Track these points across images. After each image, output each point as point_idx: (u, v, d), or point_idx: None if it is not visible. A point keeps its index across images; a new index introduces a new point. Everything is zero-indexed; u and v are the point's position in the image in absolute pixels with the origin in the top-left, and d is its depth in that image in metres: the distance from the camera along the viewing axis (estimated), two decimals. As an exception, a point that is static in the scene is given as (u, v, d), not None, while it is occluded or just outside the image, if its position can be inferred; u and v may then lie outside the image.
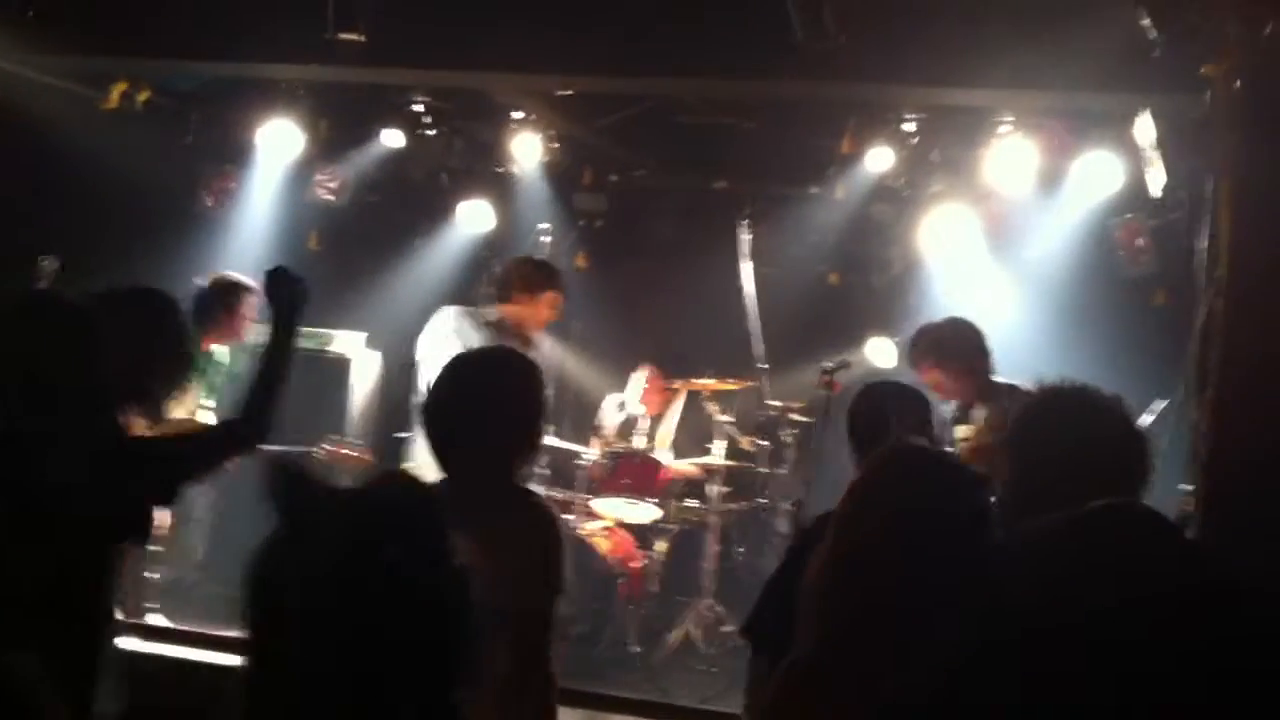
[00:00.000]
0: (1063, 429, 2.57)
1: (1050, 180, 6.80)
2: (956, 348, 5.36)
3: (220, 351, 6.21)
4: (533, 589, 2.92)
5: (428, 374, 5.99)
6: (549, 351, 6.40)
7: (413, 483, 1.69)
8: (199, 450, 3.35)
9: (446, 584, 1.56)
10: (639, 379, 7.39)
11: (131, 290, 3.45)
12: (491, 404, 2.96)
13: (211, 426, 3.41)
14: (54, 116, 6.50)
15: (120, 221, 7.19)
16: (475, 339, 5.87)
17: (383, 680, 1.49)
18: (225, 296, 6.09)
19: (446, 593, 1.56)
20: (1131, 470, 2.54)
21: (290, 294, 3.33)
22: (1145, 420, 5.09)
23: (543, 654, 2.99)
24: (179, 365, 3.54)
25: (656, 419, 7.70)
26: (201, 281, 6.11)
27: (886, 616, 2.10)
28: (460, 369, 3.13)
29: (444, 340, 5.90)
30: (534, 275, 6.20)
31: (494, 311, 6.11)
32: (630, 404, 7.38)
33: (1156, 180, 5.79)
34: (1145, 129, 5.56)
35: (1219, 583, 1.93)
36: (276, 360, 3.32)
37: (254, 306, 6.00)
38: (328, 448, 6.45)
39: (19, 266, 5.94)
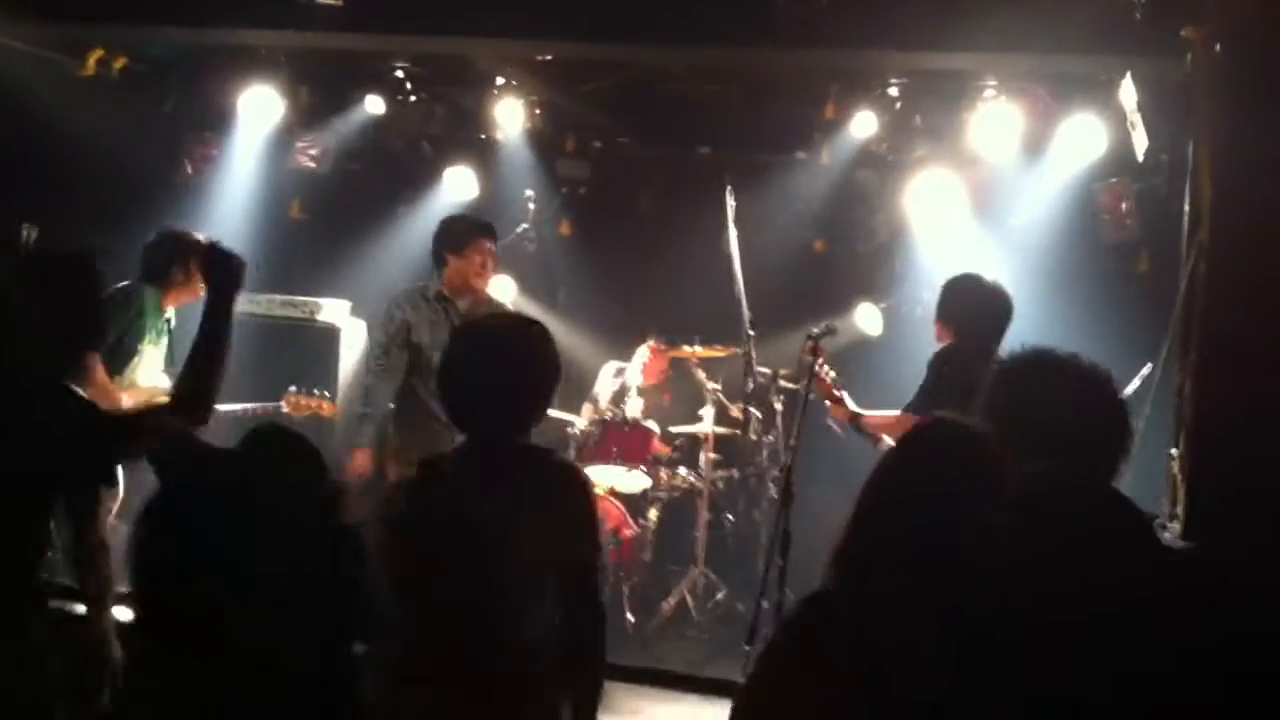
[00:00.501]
0: (1020, 399, 2.55)
1: (1034, 145, 6.78)
2: (949, 303, 5.32)
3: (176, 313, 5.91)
4: (571, 544, 2.95)
5: (368, 375, 6.08)
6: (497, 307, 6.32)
7: (289, 437, 1.68)
8: (147, 427, 3.27)
9: (336, 535, 1.56)
10: (642, 352, 7.36)
11: (40, 257, 3.40)
12: (507, 367, 2.98)
13: (160, 405, 3.33)
14: (30, 85, 6.43)
15: (100, 190, 7.13)
16: (419, 318, 5.91)
17: (279, 631, 1.50)
18: (182, 254, 5.67)
19: (336, 543, 1.56)
20: (1100, 434, 2.51)
21: (226, 271, 3.24)
22: (1132, 385, 5.10)
23: (589, 610, 3.00)
24: (92, 326, 3.48)
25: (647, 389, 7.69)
26: (156, 239, 5.77)
27: (894, 569, 2.15)
28: (473, 335, 3.16)
29: (381, 335, 6.01)
30: (455, 230, 6.04)
31: (436, 282, 6.03)
32: (631, 376, 7.35)
33: (1140, 144, 5.78)
34: (1128, 92, 5.54)
35: (1162, 576, 1.94)
36: (215, 340, 3.19)
37: None
38: (289, 399, 6.35)
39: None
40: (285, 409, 6.31)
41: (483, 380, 2.97)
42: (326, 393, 6.50)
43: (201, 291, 5.58)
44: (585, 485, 3.07)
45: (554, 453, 3.17)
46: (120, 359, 5.51)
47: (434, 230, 6.15)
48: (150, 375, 5.68)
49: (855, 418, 5.62)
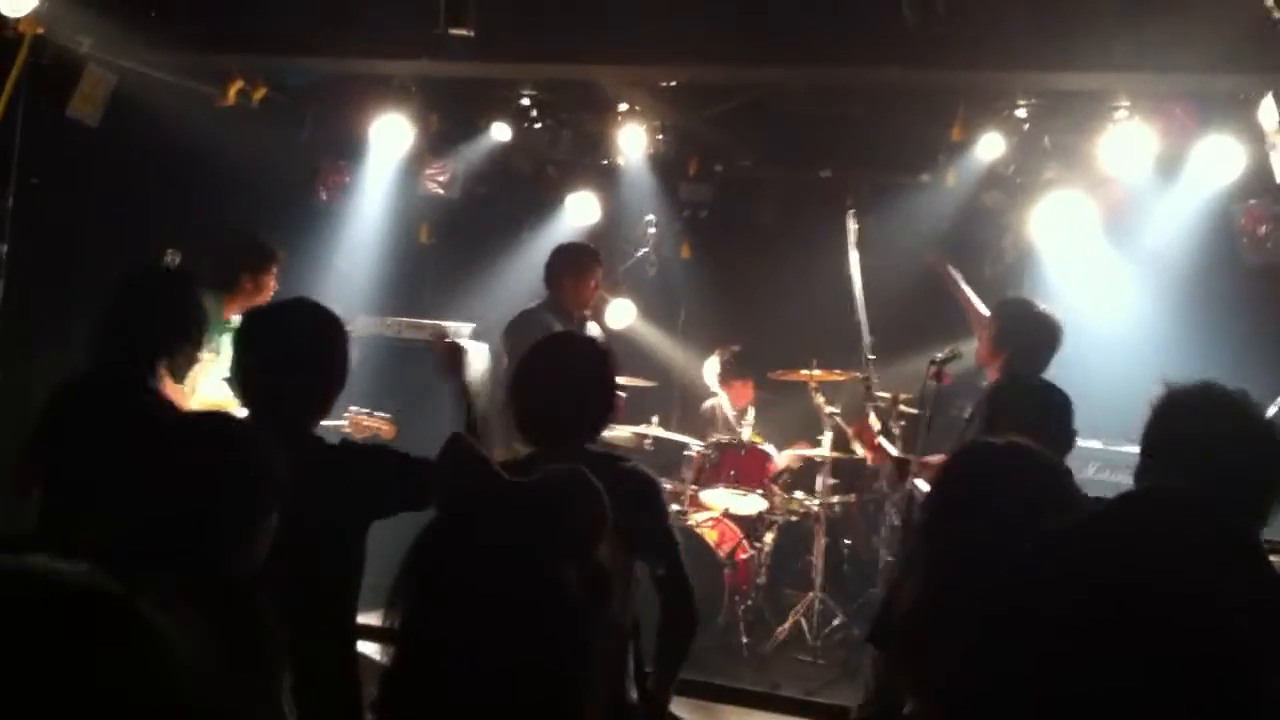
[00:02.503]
0: (1191, 431, 2.50)
1: (1169, 165, 6.62)
2: (1004, 327, 5.19)
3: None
4: (659, 544, 3.17)
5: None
6: (594, 331, 6.54)
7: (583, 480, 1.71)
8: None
9: (585, 588, 1.64)
10: (712, 363, 7.42)
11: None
12: (576, 379, 3.21)
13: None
14: (173, 113, 6.67)
15: (237, 216, 7.36)
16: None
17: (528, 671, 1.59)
18: (252, 263, 5.72)
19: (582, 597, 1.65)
20: (1248, 464, 2.44)
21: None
22: (1271, 410, 4.93)
23: (685, 595, 3.21)
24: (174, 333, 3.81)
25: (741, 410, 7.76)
26: (228, 246, 5.80)
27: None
28: (545, 349, 3.36)
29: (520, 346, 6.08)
30: (573, 256, 6.44)
31: (551, 299, 6.37)
32: (709, 380, 7.45)
33: (1281, 164, 5.61)
34: (1269, 111, 5.39)
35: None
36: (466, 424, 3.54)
37: (276, 274, 5.79)
38: (351, 419, 6.25)
39: (140, 262, 6.08)
40: (346, 427, 6.06)
41: (564, 387, 3.17)
42: (388, 414, 6.47)
43: (268, 295, 5.76)
44: (658, 487, 3.27)
45: (624, 458, 3.29)
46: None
47: (551, 253, 6.50)
48: (212, 383, 5.60)
49: (901, 463, 5.37)
